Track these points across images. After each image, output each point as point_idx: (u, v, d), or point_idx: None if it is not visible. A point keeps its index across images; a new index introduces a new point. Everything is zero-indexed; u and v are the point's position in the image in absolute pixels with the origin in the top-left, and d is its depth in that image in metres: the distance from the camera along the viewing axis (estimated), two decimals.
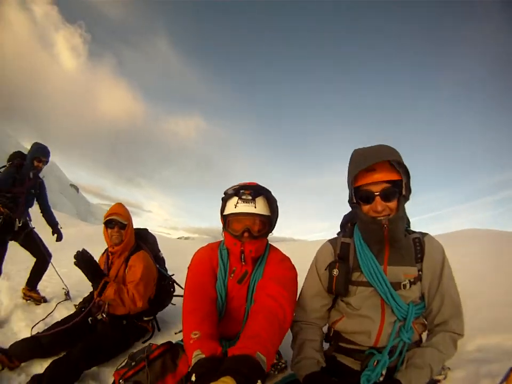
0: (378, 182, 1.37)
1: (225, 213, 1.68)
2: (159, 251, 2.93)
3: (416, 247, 1.49)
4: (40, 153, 3.38)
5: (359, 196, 1.43)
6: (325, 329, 1.70)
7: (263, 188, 1.68)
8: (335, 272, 1.53)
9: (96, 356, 2.15)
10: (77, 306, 2.72)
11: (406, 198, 1.41)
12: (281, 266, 1.73)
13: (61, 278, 3.71)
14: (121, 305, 2.37)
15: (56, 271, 3.73)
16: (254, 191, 1.63)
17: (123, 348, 2.40)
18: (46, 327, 2.46)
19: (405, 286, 1.45)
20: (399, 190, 1.38)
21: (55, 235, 3.74)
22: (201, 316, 1.46)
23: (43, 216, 3.73)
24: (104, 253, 2.76)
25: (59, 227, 3.77)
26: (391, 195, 1.37)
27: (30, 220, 3.54)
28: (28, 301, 3.48)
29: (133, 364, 1.70)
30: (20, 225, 3.36)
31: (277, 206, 1.71)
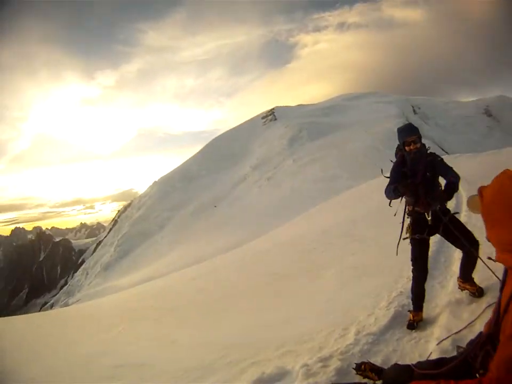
0: None
1: None
2: None
3: None
4: (404, 136, 2.90)
5: None
6: None
7: None
8: None
9: None
10: (460, 348, 1.89)
11: None
12: None
13: (490, 269, 2.54)
14: None
15: (482, 260, 2.63)
16: None
17: None
18: (423, 359, 1.95)
19: None
20: None
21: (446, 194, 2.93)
22: None
23: (448, 190, 2.91)
24: None
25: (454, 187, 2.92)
26: None
27: (444, 208, 2.99)
28: (464, 291, 3.06)
29: None
30: (430, 218, 2.92)
31: None
